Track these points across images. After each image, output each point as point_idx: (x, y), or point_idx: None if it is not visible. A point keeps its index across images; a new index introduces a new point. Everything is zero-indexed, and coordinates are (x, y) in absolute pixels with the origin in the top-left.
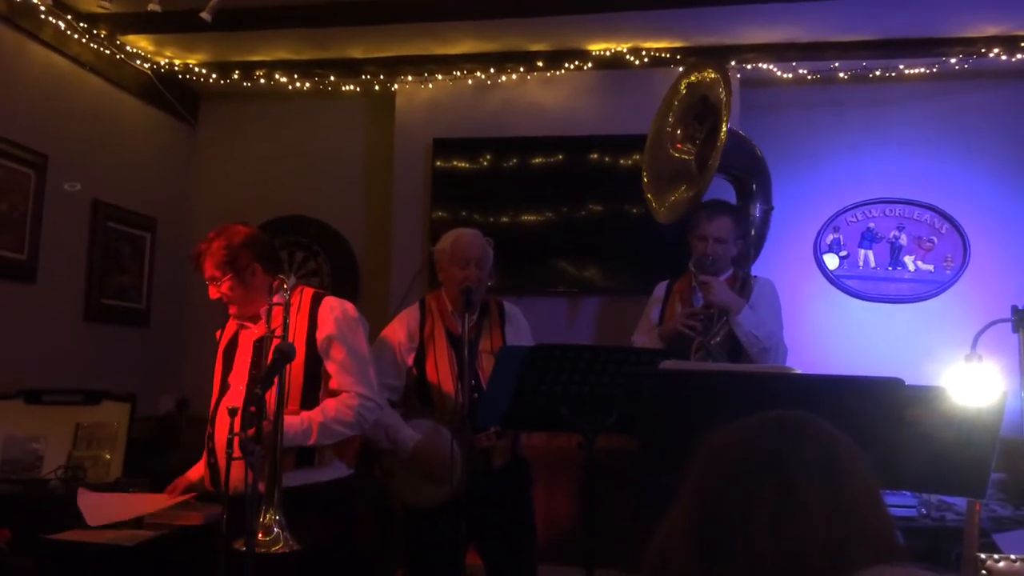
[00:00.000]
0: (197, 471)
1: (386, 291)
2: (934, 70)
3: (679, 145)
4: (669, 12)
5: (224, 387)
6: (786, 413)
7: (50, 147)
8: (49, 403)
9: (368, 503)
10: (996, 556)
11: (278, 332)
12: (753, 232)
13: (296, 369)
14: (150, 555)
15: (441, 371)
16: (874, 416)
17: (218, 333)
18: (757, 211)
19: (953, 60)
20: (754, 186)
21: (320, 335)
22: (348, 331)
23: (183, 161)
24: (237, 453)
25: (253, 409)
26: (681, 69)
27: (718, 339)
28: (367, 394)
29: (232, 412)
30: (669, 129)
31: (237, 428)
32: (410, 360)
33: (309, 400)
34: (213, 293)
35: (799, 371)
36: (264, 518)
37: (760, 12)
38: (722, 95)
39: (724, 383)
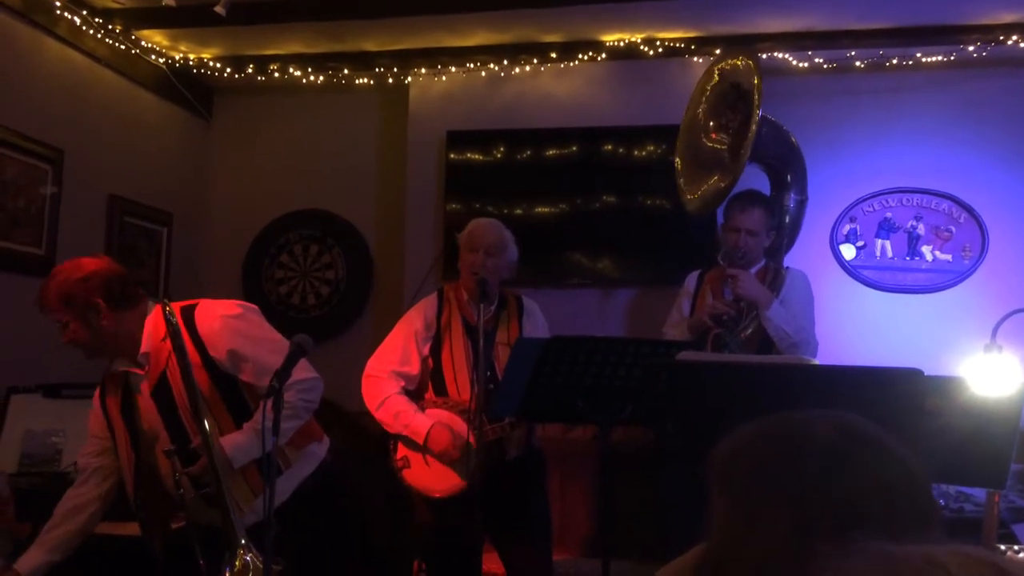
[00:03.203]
0: (30, 563)
1: (400, 283)
2: (951, 58)
3: (713, 135)
4: (683, 1)
5: (137, 448)
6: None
7: (66, 142)
8: (68, 397)
9: (383, 493)
10: (1016, 547)
11: (174, 363)
12: (787, 221)
13: (212, 396)
14: (170, 546)
15: (457, 361)
16: (894, 407)
17: (98, 390)
18: (791, 202)
19: (971, 48)
20: (789, 176)
21: (216, 355)
22: (240, 333)
23: (198, 155)
24: (192, 491)
25: (195, 444)
26: (716, 54)
27: (747, 333)
28: (301, 377)
29: (170, 454)
30: (702, 118)
31: (181, 467)
32: (426, 349)
33: (241, 413)
34: (63, 337)
35: (817, 362)
36: (236, 564)
37: (775, 1)
38: (755, 83)
39: (742, 375)
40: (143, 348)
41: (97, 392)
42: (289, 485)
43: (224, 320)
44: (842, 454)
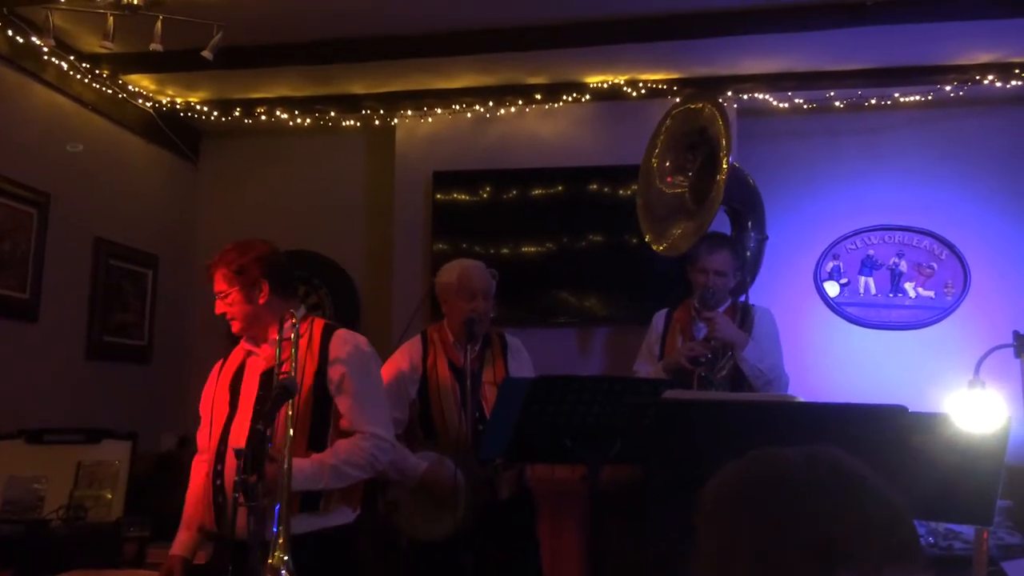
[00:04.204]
0: (184, 544)
1: (387, 324)
2: (929, 98)
3: (668, 179)
4: (665, 44)
5: (230, 418)
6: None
7: (52, 186)
8: (50, 443)
9: (372, 539)
10: None
11: (285, 367)
12: (749, 257)
13: (304, 406)
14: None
15: (445, 403)
16: (878, 444)
17: (219, 364)
18: (752, 241)
19: (948, 88)
20: (750, 217)
21: (331, 370)
22: (361, 366)
23: (185, 198)
24: (242, 498)
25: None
26: (677, 101)
27: (723, 373)
28: (380, 434)
29: (239, 454)
30: (656, 163)
31: (242, 471)
32: (413, 392)
33: (317, 440)
34: (218, 308)
35: (802, 400)
36: (272, 559)
37: (755, 43)
38: (721, 130)
39: (728, 413)
40: (273, 329)
41: (216, 366)
42: (309, 525)
43: (357, 347)
44: (822, 490)
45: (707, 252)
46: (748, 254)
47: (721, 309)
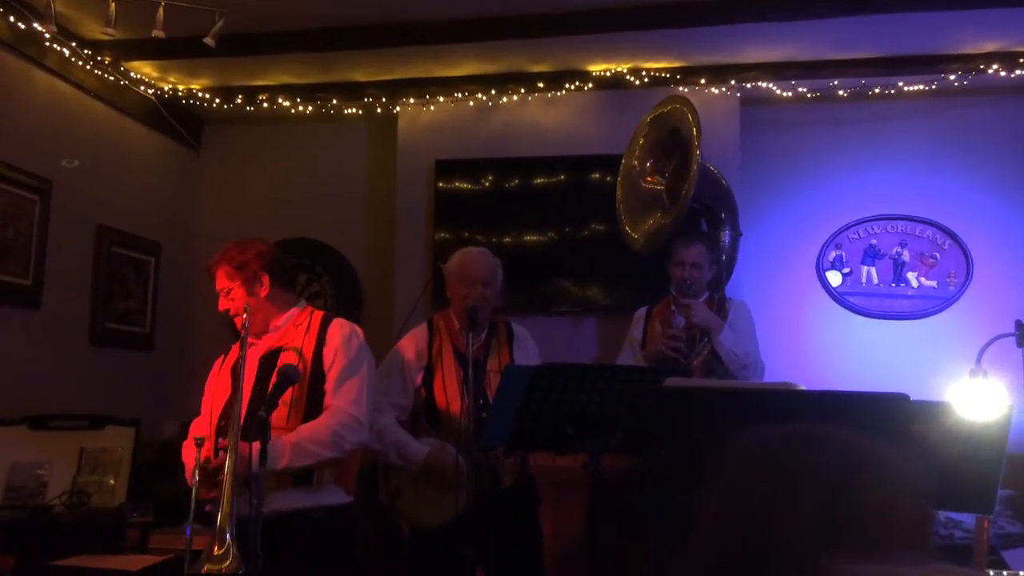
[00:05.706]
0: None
1: (389, 312)
2: (933, 87)
3: (648, 179)
4: (668, 32)
5: (231, 401)
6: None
7: (54, 173)
8: (54, 428)
9: (373, 525)
10: (1005, 573)
11: (286, 346)
12: (724, 257)
13: (300, 388)
14: None
15: (449, 390)
16: (879, 432)
17: (220, 359)
18: (726, 238)
19: (952, 77)
20: (723, 215)
21: (326, 351)
22: (352, 348)
23: (187, 185)
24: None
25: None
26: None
27: (701, 358)
28: (350, 411)
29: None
30: (636, 164)
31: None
32: (418, 379)
33: (312, 419)
34: (221, 304)
35: (804, 387)
36: (219, 521)
37: (759, 31)
38: (692, 128)
39: (729, 400)
40: (278, 322)
41: (218, 361)
42: (302, 501)
43: (352, 332)
44: (823, 469)
45: (683, 246)
46: (724, 251)
47: (700, 300)
